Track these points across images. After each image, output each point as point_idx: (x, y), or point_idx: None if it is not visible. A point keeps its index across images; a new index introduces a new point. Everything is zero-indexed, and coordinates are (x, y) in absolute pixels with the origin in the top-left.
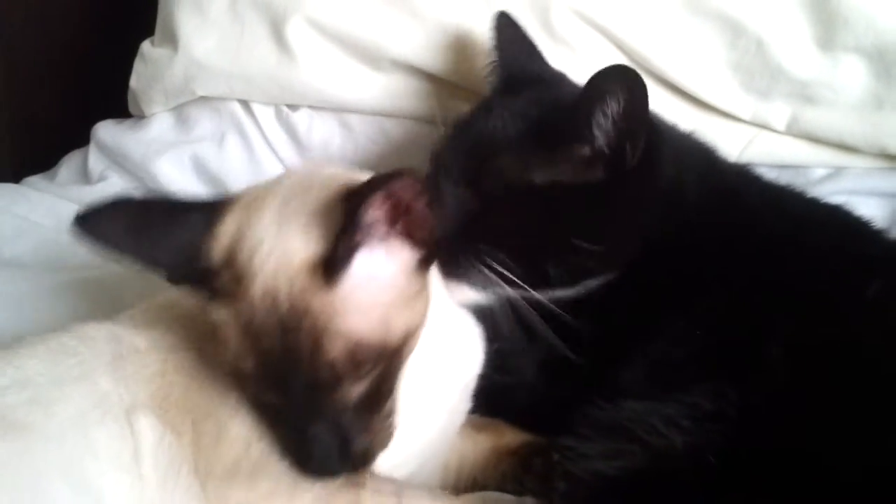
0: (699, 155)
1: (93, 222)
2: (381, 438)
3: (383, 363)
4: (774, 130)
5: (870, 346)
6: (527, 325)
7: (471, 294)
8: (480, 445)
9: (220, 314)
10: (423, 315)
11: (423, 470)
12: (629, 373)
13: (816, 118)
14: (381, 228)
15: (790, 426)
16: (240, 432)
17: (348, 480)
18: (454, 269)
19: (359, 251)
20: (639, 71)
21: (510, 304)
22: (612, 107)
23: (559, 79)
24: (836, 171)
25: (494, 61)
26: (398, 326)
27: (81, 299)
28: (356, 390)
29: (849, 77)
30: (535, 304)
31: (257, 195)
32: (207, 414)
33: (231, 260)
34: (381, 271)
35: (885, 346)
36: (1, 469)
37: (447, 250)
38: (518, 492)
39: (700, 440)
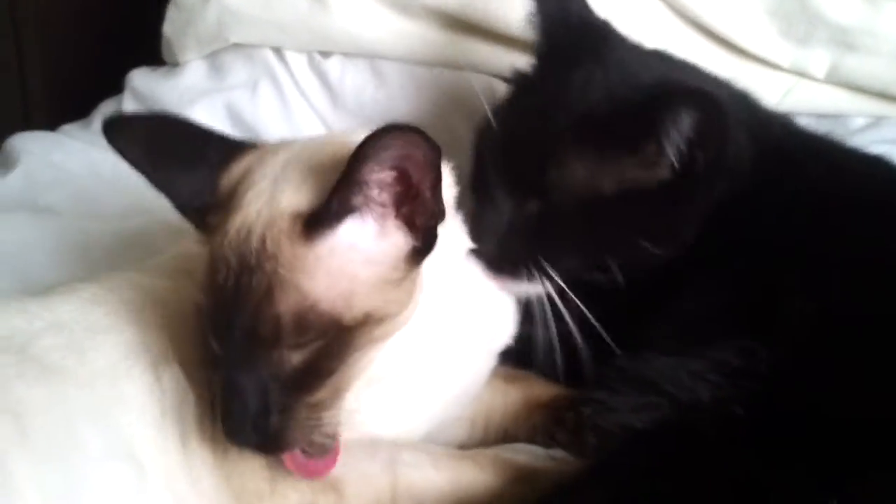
0: (744, 112)
1: (120, 130)
2: (304, 430)
3: (329, 338)
4: (814, 78)
5: None
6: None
7: (521, 288)
8: (511, 398)
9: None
10: (399, 307)
11: (448, 424)
12: (658, 327)
13: (857, 66)
14: (383, 204)
15: (820, 383)
16: None
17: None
18: (510, 272)
19: (350, 216)
20: (676, 18)
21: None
22: (685, 121)
23: (606, 35)
24: (877, 121)
25: (534, 12)
26: (360, 306)
27: (115, 248)
28: (293, 358)
29: (891, 24)
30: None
31: (280, 145)
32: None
33: (228, 198)
34: (365, 245)
35: None
36: (35, 412)
37: (503, 256)
38: (548, 444)
39: (727, 395)
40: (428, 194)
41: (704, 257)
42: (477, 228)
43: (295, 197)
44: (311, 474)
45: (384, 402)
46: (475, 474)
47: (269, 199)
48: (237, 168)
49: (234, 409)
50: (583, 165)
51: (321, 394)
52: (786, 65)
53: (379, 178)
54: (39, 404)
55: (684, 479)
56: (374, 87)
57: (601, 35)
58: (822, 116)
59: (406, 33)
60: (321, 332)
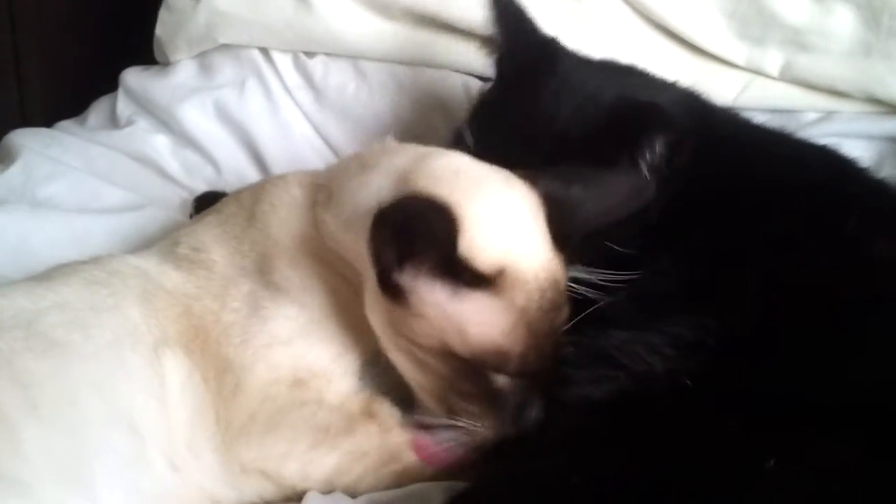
0: (689, 107)
1: None
2: None
3: None
4: (768, 76)
5: (845, 279)
6: None
7: None
8: None
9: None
10: None
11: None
12: (618, 304)
13: (808, 64)
14: None
15: (767, 355)
16: (256, 387)
17: (384, 439)
18: None
19: None
20: (637, 18)
21: None
22: (659, 143)
23: (558, 52)
24: (827, 115)
25: (494, 31)
26: None
27: (112, 239)
28: None
29: (839, 25)
30: None
31: (496, 187)
32: (227, 366)
33: (481, 247)
34: None
35: (859, 279)
36: (42, 383)
37: None
38: None
39: (680, 366)
40: None
41: (661, 239)
42: None
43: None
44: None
45: None
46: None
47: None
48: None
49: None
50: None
51: None
52: (741, 63)
53: None
54: (46, 375)
55: (637, 444)
56: (356, 85)
57: (554, 52)
58: (776, 111)
59: (385, 33)
60: None
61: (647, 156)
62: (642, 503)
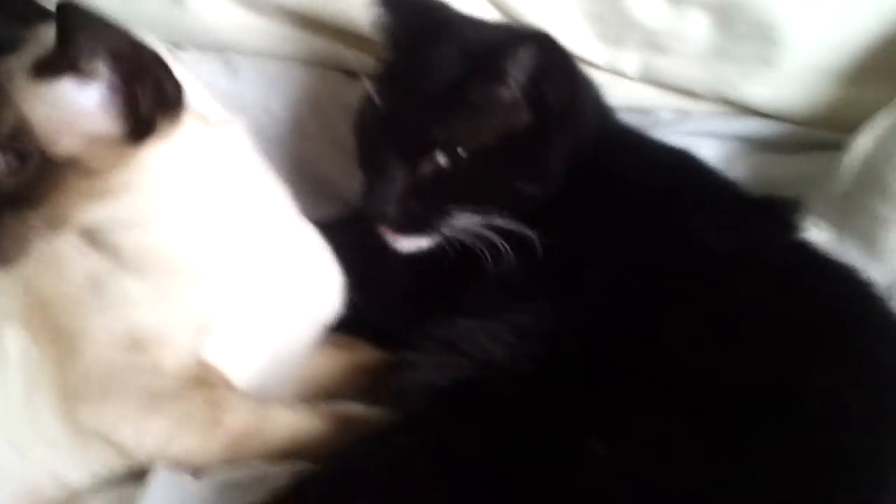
0: (598, 96)
1: None
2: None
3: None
4: (627, 77)
5: (681, 271)
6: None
7: (422, 242)
8: (339, 362)
9: None
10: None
11: (279, 383)
12: (468, 293)
13: (664, 66)
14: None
15: (602, 340)
16: (91, 350)
17: (206, 402)
18: (415, 230)
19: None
20: (497, 14)
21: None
22: (524, 58)
23: (451, 14)
24: (681, 115)
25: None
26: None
27: None
28: None
29: (694, 29)
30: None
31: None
32: (63, 333)
33: None
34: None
35: (695, 273)
36: None
37: (406, 217)
38: (371, 404)
39: (519, 353)
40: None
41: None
42: (374, 199)
43: None
44: None
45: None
46: (313, 422)
47: None
48: None
49: None
50: (462, 123)
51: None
52: (602, 64)
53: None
54: None
55: (476, 430)
56: (226, 79)
57: (447, 14)
58: (634, 111)
59: (257, 29)
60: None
61: (514, 72)
62: (481, 488)
